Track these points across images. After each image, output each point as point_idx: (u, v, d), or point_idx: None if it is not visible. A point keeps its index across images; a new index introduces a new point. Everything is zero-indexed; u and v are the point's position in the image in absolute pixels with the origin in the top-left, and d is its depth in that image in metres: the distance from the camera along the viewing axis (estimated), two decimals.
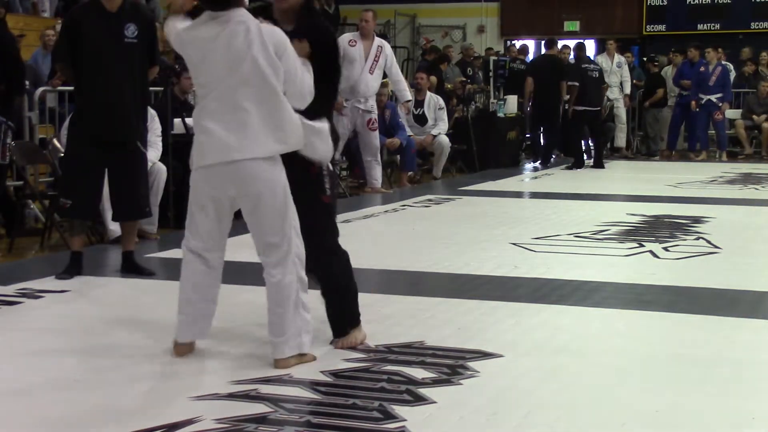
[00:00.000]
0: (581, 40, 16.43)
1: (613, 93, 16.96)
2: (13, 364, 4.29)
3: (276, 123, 4.10)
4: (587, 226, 8.57)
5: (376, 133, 11.14)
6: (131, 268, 6.29)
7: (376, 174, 11.26)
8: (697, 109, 16.56)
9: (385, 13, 20.97)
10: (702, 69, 16.54)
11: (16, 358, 4.38)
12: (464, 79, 15.89)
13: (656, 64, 17.85)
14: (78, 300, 5.62)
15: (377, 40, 11.27)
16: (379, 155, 11.27)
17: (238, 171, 4.10)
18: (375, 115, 11.17)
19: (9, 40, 8.85)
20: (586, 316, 5.40)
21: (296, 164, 4.25)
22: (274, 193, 4.12)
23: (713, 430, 3.61)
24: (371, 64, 11.06)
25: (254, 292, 5.15)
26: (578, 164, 15.09)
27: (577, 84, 14.87)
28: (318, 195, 4.44)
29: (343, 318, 4.59)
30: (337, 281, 4.57)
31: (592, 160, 15.53)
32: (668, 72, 17.66)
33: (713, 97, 16.41)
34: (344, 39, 11.44)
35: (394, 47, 19.85)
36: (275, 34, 4.15)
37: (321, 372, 4.14)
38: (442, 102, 13.33)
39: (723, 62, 16.86)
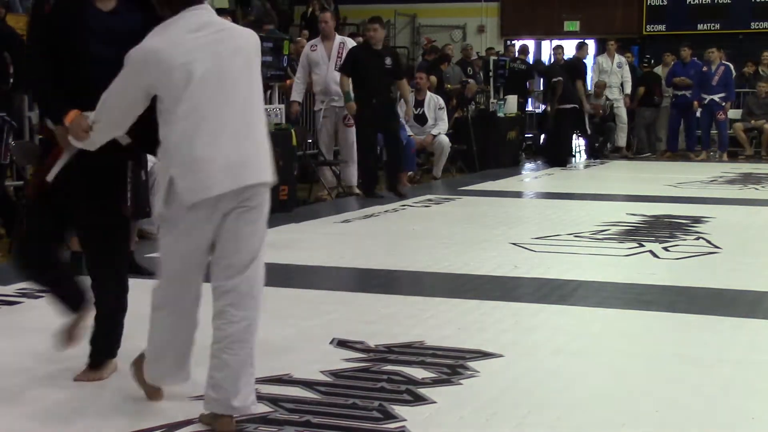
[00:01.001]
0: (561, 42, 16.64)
1: (612, 93, 16.97)
2: (13, 363, 4.28)
3: (266, 145, 3.60)
4: (587, 226, 8.57)
5: (352, 129, 11.09)
6: (131, 267, 6.26)
7: (352, 171, 11.23)
8: (700, 109, 16.55)
9: (385, 13, 20.92)
10: (705, 69, 16.53)
11: (17, 357, 4.38)
12: (467, 79, 15.87)
13: (645, 65, 17.87)
14: None
15: (338, 38, 11.31)
16: (354, 153, 11.15)
17: (248, 197, 3.49)
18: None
19: (17, 38, 8.85)
20: (586, 316, 5.40)
21: (100, 164, 3.84)
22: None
23: (713, 430, 3.61)
24: (335, 62, 11.10)
25: None
26: (563, 162, 15.26)
27: (561, 79, 15.09)
28: (119, 205, 4.01)
29: (115, 344, 4.14)
30: (121, 305, 4.12)
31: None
32: (660, 72, 17.62)
33: (716, 97, 16.40)
34: (306, 46, 11.57)
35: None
36: (255, 37, 3.65)
37: (321, 372, 4.14)
38: (442, 102, 13.32)
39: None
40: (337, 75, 10.96)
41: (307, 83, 11.34)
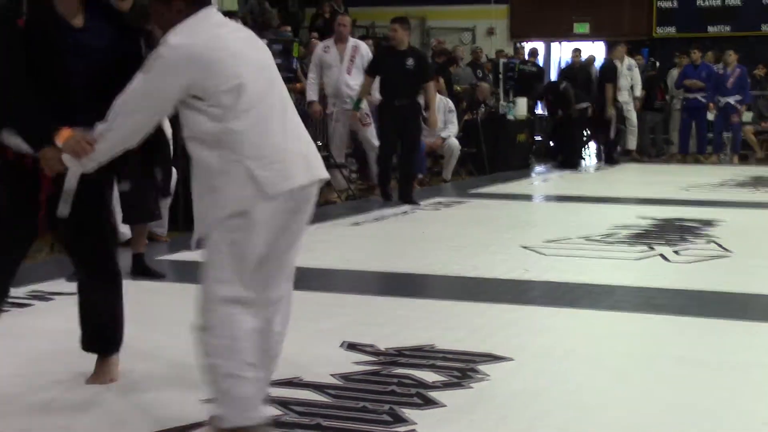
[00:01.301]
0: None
1: (623, 96, 16.92)
2: (24, 366, 4.29)
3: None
4: (597, 229, 8.55)
5: (371, 128, 11.06)
6: (141, 270, 6.30)
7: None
8: (715, 111, 16.50)
9: (394, 15, 20.97)
10: (720, 71, 16.47)
11: (27, 360, 4.38)
12: (477, 82, 15.83)
13: (650, 69, 17.82)
14: None
15: (352, 41, 11.29)
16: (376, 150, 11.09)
17: (311, 195, 3.41)
18: (364, 110, 11.03)
19: None
20: (596, 319, 5.39)
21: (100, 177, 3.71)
22: None
23: None
24: (347, 66, 11.07)
25: None
26: (573, 165, 15.29)
27: (566, 84, 15.25)
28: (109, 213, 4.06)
29: (116, 342, 4.11)
30: (121, 307, 4.10)
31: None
32: (674, 75, 17.58)
33: (731, 100, 16.35)
34: (318, 47, 11.49)
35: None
36: None
37: (331, 375, 4.14)
38: (451, 104, 13.31)
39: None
40: (349, 78, 10.94)
41: (319, 83, 11.31)
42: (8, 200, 3.71)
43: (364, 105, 11.01)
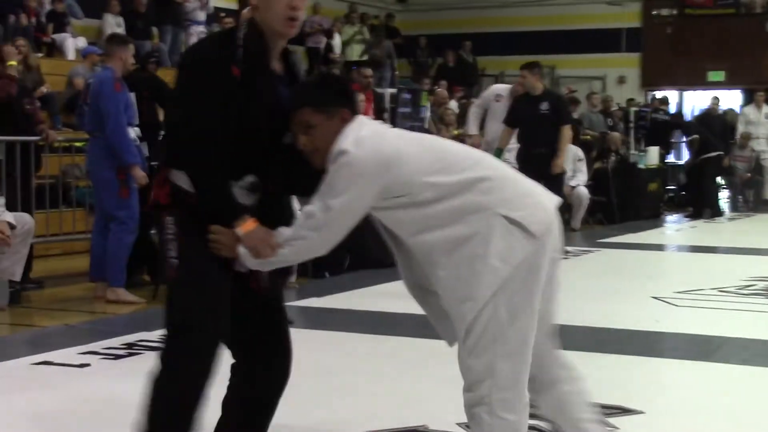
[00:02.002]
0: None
1: (760, 145, 16.51)
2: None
3: None
4: (732, 281, 8.31)
5: None
6: None
7: None
8: None
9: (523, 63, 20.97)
10: None
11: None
12: (607, 131, 15.64)
13: None
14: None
15: None
16: None
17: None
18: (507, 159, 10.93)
19: (168, 90, 9.08)
20: (731, 373, 5.23)
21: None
22: None
23: None
24: None
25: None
26: (707, 214, 14.97)
27: (697, 137, 15.02)
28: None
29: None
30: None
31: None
32: None
33: None
34: (491, 92, 11.33)
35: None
36: None
37: (457, 424, 4.11)
38: (581, 153, 13.20)
39: None
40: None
41: (480, 120, 11.18)
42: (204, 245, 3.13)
43: (509, 155, 10.74)
